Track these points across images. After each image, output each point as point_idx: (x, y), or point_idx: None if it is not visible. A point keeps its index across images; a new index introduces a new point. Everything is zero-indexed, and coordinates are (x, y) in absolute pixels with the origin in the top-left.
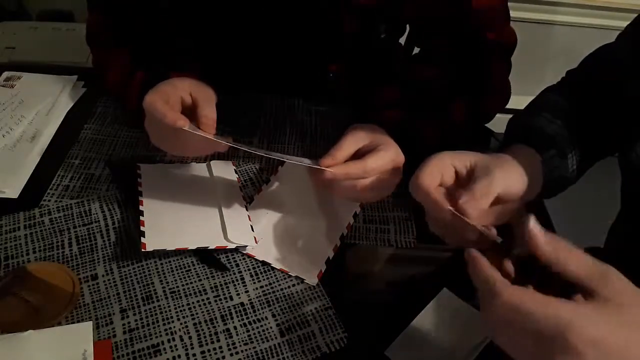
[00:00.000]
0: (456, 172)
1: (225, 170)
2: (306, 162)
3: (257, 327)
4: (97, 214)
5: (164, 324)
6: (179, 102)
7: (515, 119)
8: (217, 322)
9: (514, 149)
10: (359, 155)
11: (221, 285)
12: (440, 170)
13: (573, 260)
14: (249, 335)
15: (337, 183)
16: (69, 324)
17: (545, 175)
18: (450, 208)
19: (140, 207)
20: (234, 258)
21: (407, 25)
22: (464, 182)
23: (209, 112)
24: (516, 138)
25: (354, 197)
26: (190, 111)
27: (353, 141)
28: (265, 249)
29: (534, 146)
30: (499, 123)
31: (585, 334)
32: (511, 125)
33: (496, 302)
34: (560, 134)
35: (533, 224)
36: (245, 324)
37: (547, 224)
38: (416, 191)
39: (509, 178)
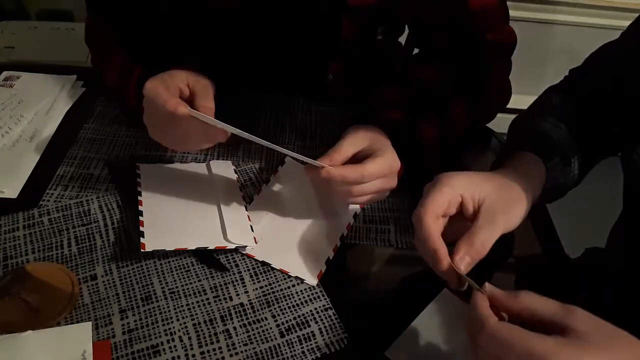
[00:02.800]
0: (462, 202)
1: (225, 170)
2: (305, 159)
3: (257, 328)
4: (96, 214)
5: (164, 325)
6: (178, 91)
7: (518, 120)
8: (216, 323)
9: (518, 160)
10: (356, 158)
11: (221, 285)
12: (447, 199)
13: (537, 304)
14: (248, 336)
15: (333, 184)
16: (68, 324)
17: (547, 182)
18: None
19: (140, 207)
20: (233, 258)
21: (407, 26)
22: (468, 215)
23: (207, 103)
24: (521, 142)
25: (348, 200)
26: (188, 103)
27: (352, 144)
28: (265, 249)
29: (538, 154)
30: (499, 123)
31: None
32: (515, 127)
33: (482, 334)
34: (565, 139)
35: (490, 288)
36: (245, 325)
37: (547, 225)
38: (416, 223)
39: (511, 217)
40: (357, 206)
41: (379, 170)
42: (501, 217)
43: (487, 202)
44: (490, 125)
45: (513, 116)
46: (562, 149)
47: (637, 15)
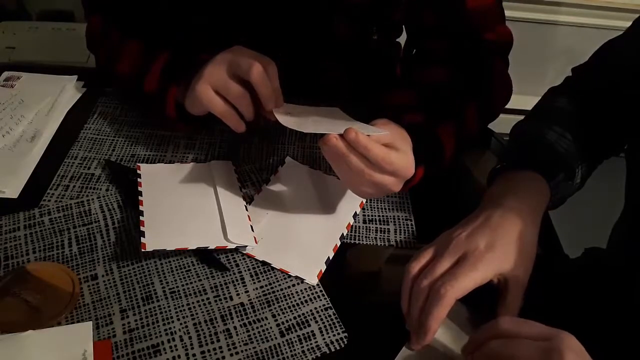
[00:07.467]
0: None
1: (225, 170)
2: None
3: (257, 327)
4: (97, 214)
5: (164, 324)
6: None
7: (522, 128)
8: (217, 322)
9: (522, 187)
10: None
11: (221, 285)
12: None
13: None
14: (249, 336)
15: (349, 155)
16: (68, 324)
17: (550, 201)
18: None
19: (140, 207)
20: (233, 258)
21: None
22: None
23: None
24: (525, 157)
25: (353, 181)
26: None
27: (389, 136)
28: (265, 249)
29: (543, 174)
30: (499, 123)
31: None
32: (519, 135)
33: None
34: (570, 151)
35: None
36: (245, 324)
37: (547, 225)
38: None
39: (528, 266)
40: (357, 206)
41: (397, 165)
42: (524, 279)
43: (512, 280)
44: (490, 125)
45: (513, 116)
46: (567, 163)
47: (637, 15)
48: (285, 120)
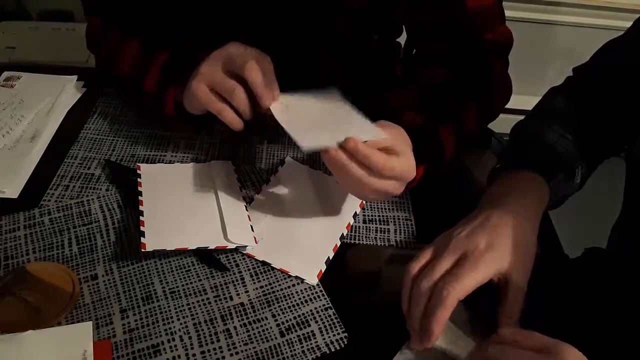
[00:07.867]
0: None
1: (225, 170)
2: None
3: (257, 327)
4: (97, 214)
5: (164, 324)
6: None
7: (523, 128)
8: (217, 322)
9: (521, 188)
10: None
11: (221, 285)
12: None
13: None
14: (249, 336)
15: (349, 164)
16: (69, 324)
17: (550, 200)
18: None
19: (140, 207)
20: (234, 258)
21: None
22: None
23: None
24: (524, 157)
25: (354, 188)
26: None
27: (389, 140)
28: (265, 249)
29: (542, 174)
30: (499, 123)
31: None
32: (519, 136)
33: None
34: (571, 151)
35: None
36: (245, 324)
37: (547, 225)
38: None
39: (528, 267)
40: (357, 206)
41: (399, 171)
42: (524, 278)
43: (512, 279)
44: (490, 125)
45: (513, 116)
46: (567, 163)
47: (637, 15)
48: (283, 120)
